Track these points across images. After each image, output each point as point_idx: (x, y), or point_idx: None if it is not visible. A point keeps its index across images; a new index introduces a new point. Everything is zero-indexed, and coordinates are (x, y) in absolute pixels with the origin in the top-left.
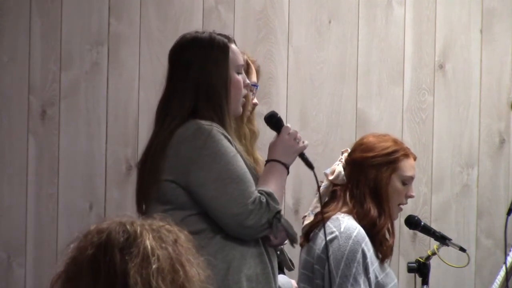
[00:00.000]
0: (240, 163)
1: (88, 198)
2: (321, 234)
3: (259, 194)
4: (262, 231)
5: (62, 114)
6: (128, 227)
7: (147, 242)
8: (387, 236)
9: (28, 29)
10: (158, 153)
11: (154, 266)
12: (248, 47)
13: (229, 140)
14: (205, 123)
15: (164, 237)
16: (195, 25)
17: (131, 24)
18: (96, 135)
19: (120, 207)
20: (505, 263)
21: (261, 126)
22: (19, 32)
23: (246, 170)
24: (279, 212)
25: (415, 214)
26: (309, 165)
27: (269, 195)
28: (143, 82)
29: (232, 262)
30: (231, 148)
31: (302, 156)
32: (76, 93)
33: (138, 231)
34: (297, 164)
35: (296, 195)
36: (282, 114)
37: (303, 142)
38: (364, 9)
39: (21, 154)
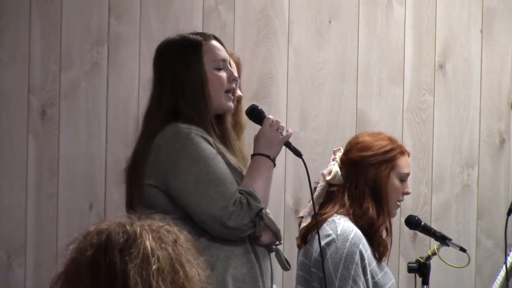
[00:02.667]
0: (220, 165)
1: (88, 198)
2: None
3: (239, 195)
4: (246, 230)
5: (62, 114)
6: (128, 227)
7: (147, 243)
8: (384, 235)
9: (28, 29)
10: (140, 158)
11: (154, 267)
12: (248, 47)
13: (209, 142)
14: (184, 126)
15: (164, 238)
16: (195, 25)
17: (131, 24)
18: (96, 135)
19: (120, 207)
20: (505, 263)
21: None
22: (19, 32)
23: (227, 171)
24: (261, 210)
25: (415, 214)
26: (297, 153)
27: (249, 194)
28: (143, 82)
29: (217, 261)
30: (210, 150)
31: (288, 145)
32: (76, 93)
33: (138, 231)
34: (297, 165)
35: (296, 195)
36: (282, 114)
37: (287, 131)
38: (364, 9)
39: (21, 154)
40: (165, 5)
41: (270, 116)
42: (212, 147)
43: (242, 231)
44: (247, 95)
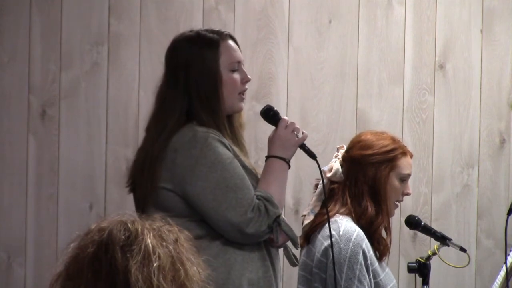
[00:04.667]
0: (237, 170)
1: (88, 198)
2: (320, 237)
3: (257, 201)
4: (263, 236)
5: (62, 114)
6: (129, 225)
7: (148, 241)
8: (384, 234)
9: (28, 29)
10: (155, 160)
11: (155, 264)
12: (248, 47)
13: (225, 145)
14: (201, 130)
15: (165, 236)
16: (195, 25)
17: (131, 24)
18: (96, 135)
19: (120, 207)
20: (505, 263)
21: (263, 124)
22: (19, 32)
23: (244, 176)
24: (279, 216)
25: (416, 214)
26: (311, 155)
27: (267, 200)
28: (143, 82)
29: (234, 265)
30: (227, 155)
31: (303, 147)
32: (76, 93)
33: (139, 229)
34: (297, 165)
35: (296, 195)
36: (282, 114)
37: (302, 133)
38: (364, 9)
39: (21, 154)
40: (165, 5)
41: (286, 117)
42: (229, 150)
43: (259, 237)
44: (247, 95)
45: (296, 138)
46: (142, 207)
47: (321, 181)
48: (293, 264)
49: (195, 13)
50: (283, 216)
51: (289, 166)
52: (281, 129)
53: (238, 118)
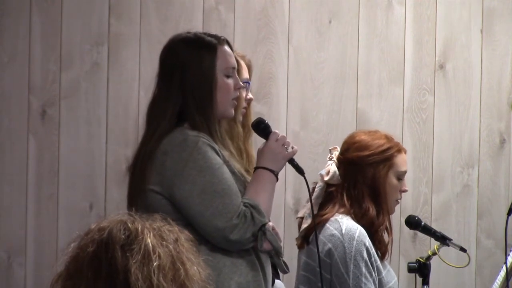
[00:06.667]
0: (226, 175)
1: (88, 198)
2: (322, 237)
3: (244, 208)
4: (247, 244)
5: (62, 114)
6: (129, 225)
7: (148, 240)
8: (385, 233)
9: (28, 29)
10: (145, 162)
11: (155, 264)
12: (248, 47)
13: (215, 150)
14: (192, 134)
15: (165, 236)
16: (195, 25)
17: (131, 24)
18: (96, 135)
19: (120, 207)
20: (505, 263)
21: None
22: (19, 32)
23: (232, 182)
24: (264, 225)
25: (416, 214)
26: (299, 171)
27: (254, 207)
28: (143, 82)
29: (223, 269)
30: (217, 160)
31: (292, 162)
32: (76, 93)
33: (139, 229)
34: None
35: (296, 195)
36: (282, 114)
37: (291, 148)
38: (364, 9)
39: (21, 154)
40: (165, 5)
41: (277, 131)
42: (219, 155)
43: (243, 244)
44: None
45: (286, 152)
46: (130, 207)
47: (317, 184)
48: (283, 271)
49: (195, 13)
50: (282, 217)
51: (277, 179)
52: (271, 142)
53: (243, 120)
